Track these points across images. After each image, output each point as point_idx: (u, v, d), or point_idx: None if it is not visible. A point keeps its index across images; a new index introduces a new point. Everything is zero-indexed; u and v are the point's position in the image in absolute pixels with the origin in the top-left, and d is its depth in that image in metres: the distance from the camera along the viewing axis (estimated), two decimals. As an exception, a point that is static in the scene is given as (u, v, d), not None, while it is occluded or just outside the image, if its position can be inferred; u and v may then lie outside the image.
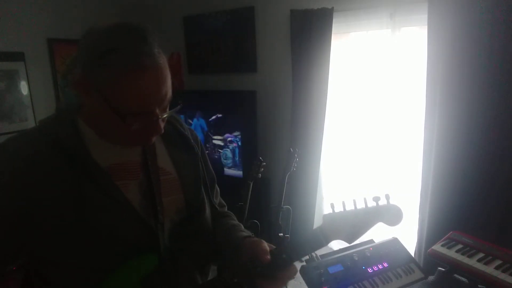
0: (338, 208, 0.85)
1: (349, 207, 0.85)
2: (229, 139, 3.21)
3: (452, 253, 1.47)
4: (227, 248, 0.97)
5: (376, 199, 0.85)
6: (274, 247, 0.88)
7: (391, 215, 0.84)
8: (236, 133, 3.16)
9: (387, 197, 0.85)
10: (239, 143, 3.15)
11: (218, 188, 1.16)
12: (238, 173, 3.22)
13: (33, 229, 0.77)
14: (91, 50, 0.74)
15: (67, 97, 3.23)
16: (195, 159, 1.00)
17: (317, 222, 3.14)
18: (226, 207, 1.17)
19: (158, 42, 0.77)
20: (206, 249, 0.99)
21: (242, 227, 1.05)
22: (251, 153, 3.11)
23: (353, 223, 0.83)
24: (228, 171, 3.28)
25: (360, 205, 0.84)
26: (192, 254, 0.93)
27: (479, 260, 1.42)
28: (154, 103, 0.76)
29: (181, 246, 0.90)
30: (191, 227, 0.94)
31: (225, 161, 3.29)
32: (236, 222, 1.09)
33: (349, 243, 0.86)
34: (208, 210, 1.00)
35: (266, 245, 0.87)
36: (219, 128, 3.26)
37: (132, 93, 0.73)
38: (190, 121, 3.41)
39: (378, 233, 2.16)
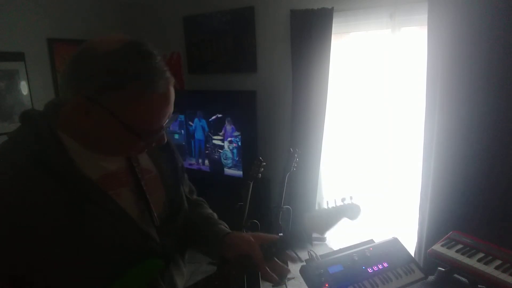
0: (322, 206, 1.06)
1: (326, 206, 1.06)
2: (229, 139, 3.21)
3: (452, 253, 1.47)
4: (209, 240, 1.00)
5: (343, 199, 1.04)
6: (270, 235, 0.96)
7: (352, 212, 1.04)
8: (236, 133, 3.16)
9: (351, 198, 1.05)
10: (239, 143, 3.15)
11: (186, 175, 1.16)
12: (238, 173, 3.22)
13: (32, 255, 0.73)
14: (102, 73, 0.73)
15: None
16: (172, 153, 1.03)
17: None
18: (196, 192, 1.19)
19: (157, 52, 0.78)
20: (189, 240, 1.03)
21: (216, 216, 1.10)
22: (251, 153, 3.11)
23: (326, 219, 1.02)
24: (228, 171, 3.28)
25: (332, 205, 1.05)
26: (179, 247, 0.98)
27: (479, 260, 1.42)
28: (165, 119, 0.80)
29: (170, 241, 0.93)
30: (176, 222, 0.97)
31: (225, 161, 3.29)
32: (209, 211, 1.12)
33: (322, 235, 0.98)
34: (185, 202, 1.04)
35: (256, 247, 0.90)
36: (219, 128, 3.26)
37: (149, 115, 0.76)
38: (191, 122, 3.41)
39: (378, 233, 2.17)
